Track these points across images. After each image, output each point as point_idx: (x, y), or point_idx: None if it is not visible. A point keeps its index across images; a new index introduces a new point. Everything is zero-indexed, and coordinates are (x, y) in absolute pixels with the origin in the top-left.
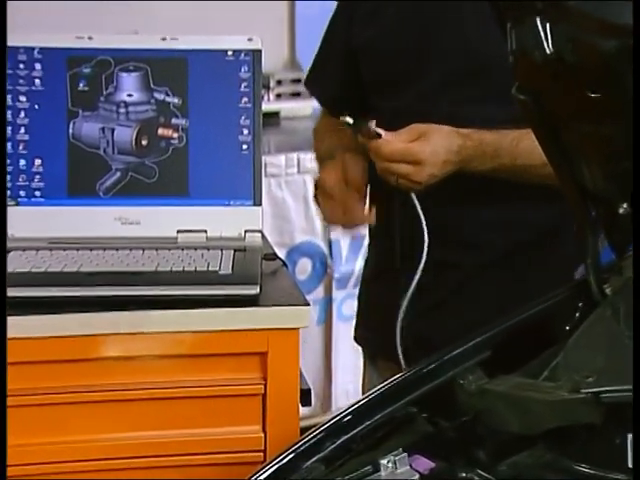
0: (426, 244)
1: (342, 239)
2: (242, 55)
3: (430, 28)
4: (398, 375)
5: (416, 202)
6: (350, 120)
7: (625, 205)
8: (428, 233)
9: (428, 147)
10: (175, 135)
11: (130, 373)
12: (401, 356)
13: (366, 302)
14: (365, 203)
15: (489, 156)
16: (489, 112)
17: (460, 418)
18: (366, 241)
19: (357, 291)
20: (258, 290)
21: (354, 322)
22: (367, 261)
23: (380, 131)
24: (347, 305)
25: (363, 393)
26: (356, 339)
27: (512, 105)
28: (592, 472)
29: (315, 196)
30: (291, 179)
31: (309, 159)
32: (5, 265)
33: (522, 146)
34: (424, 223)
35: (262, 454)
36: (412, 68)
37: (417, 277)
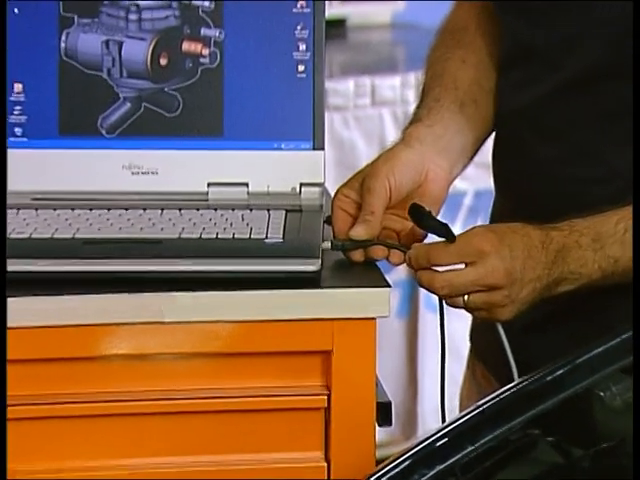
0: None
1: None
2: None
3: None
4: (513, 384)
5: (502, 334)
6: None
7: None
8: None
9: (501, 265)
10: (205, 52)
11: (144, 378)
12: (513, 364)
13: None
14: None
15: (589, 249)
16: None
17: (599, 444)
18: (469, 199)
19: None
20: (319, 266)
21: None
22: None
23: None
24: None
25: (461, 410)
26: (472, 340)
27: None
28: None
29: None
30: (362, 114)
31: (387, 86)
32: (5, 265)
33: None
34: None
35: None
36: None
37: None
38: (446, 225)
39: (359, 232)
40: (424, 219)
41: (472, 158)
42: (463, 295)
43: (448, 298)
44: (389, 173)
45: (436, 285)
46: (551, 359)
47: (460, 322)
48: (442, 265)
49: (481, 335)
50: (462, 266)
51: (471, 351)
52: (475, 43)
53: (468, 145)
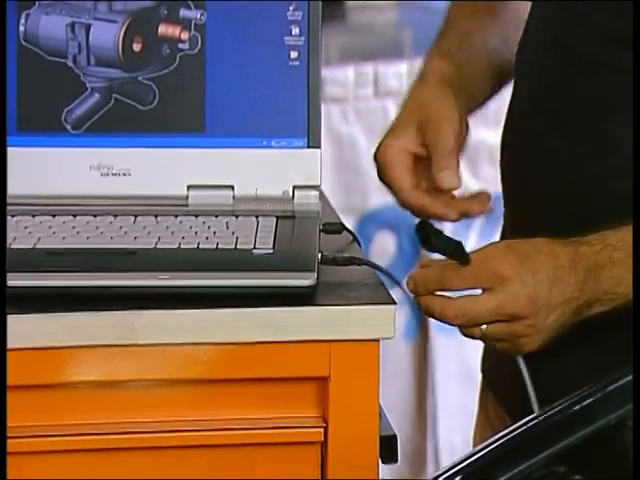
0: None
1: None
2: None
3: None
4: (534, 415)
5: (523, 368)
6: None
7: None
8: None
9: (523, 291)
10: (184, 36)
11: (115, 409)
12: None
13: None
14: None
15: (624, 266)
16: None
17: None
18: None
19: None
20: (315, 280)
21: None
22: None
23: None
24: None
25: (475, 445)
26: (483, 371)
27: None
28: None
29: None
30: (364, 106)
31: (392, 74)
32: (5, 265)
33: None
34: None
35: None
36: None
37: None
38: (459, 244)
39: (452, 181)
40: (432, 239)
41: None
42: (480, 325)
43: (463, 328)
44: (452, 118)
45: (449, 314)
46: (563, 387)
47: (474, 346)
48: (455, 291)
49: (494, 364)
50: (479, 291)
51: (483, 383)
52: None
53: (485, 95)
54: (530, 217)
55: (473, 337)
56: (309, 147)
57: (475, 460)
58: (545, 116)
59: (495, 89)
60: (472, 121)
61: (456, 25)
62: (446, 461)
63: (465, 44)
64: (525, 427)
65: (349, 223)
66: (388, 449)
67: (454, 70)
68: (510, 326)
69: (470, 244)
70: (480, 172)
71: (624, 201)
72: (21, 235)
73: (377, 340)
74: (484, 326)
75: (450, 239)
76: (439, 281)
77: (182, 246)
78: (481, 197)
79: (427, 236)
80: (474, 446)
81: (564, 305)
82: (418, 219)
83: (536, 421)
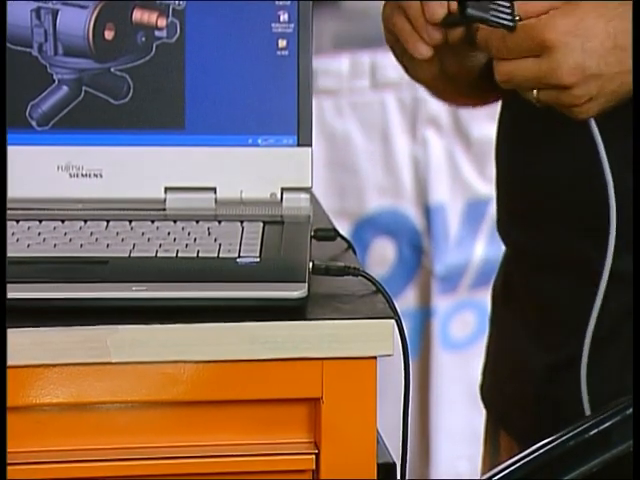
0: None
1: (451, 203)
2: None
3: None
4: (547, 441)
5: (595, 132)
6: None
7: None
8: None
9: (569, 60)
10: (162, 23)
11: (85, 434)
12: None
13: (494, 336)
14: None
15: None
16: None
17: None
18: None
19: (474, 304)
20: (306, 292)
21: (481, 367)
22: (503, 264)
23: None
24: (458, 322)
25: (483, 473)
26: (483, 399)
27: None
28: None
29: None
30: (359, 99)
31: (390, 64)
32: (5, 265)
33: None
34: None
35: None
36: None
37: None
38: (508, 6)
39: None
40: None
41: None
42: (531, 90)
43: (519, 90)
44: None
45: (499, 78)
46: (579, 405)
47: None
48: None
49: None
50: None
51: (488, 416)
52: None
53: None
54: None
55: (529, 100)
56: (299, 145)
57: None
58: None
59: None
60: (479, 117)
61: None
62: None
63: None
64: (537, 453)
65: (344, 228)
66: (386, 478)
67: None
68: (558, 95)
69: (477, 253)
70: (487, 171)
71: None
72: None
73: (374, 358)
74: (534, 91)
75: (499, 7)
76: (489, 49)
77: (159, 254)
78: None
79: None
80: (482, 467)
81: (624, 75)
82: None
83: (550, 446)
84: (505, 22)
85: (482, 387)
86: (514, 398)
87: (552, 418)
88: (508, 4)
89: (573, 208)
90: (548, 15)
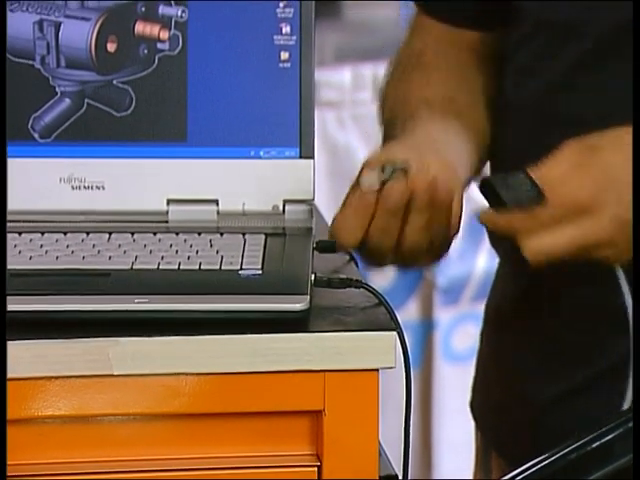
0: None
1: None
2: None
3: None
4: (546, 455)
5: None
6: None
7: None
8: None
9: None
10: (164, 35)
11: (87, 446)
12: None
13: (487, 355)
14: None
15: None
16: None
17: None
18: None
19: (476, 316)
20: (308, 304)
21: (471, 382)
22: (496, 282)
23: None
24: (460, 334)
25: None
26: (474, 415)
27: None
28: None
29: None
30: (361, 111)
31: None
32: (5, 265)
33: None
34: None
35: None
36: None
37: None
38: (533, 186)
39: None
40: (502, 193)
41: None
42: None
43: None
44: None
45: (529, 255)
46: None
47: None
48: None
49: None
50: None
51: (479, 434)
52: (436, 62)
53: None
54: None
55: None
56: (301, 157)
57: None
58: (547, 117)
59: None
60: None
61: (395, 100)
62: None
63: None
64: (536, 468)
65: None
66: None
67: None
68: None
69: (479, 265)
70: None
71: None
72: None
73: (376, 370)
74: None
75: (519, 183)
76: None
77: (161, 267)
78: None
79: (494, 192)
80: None
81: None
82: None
83: (549, 461)
84: (536, 197)
85: (472, 404)
86: (508, 423)
87: (551, 447)
88: (523, 174)
89: None
90: (565, 173)
